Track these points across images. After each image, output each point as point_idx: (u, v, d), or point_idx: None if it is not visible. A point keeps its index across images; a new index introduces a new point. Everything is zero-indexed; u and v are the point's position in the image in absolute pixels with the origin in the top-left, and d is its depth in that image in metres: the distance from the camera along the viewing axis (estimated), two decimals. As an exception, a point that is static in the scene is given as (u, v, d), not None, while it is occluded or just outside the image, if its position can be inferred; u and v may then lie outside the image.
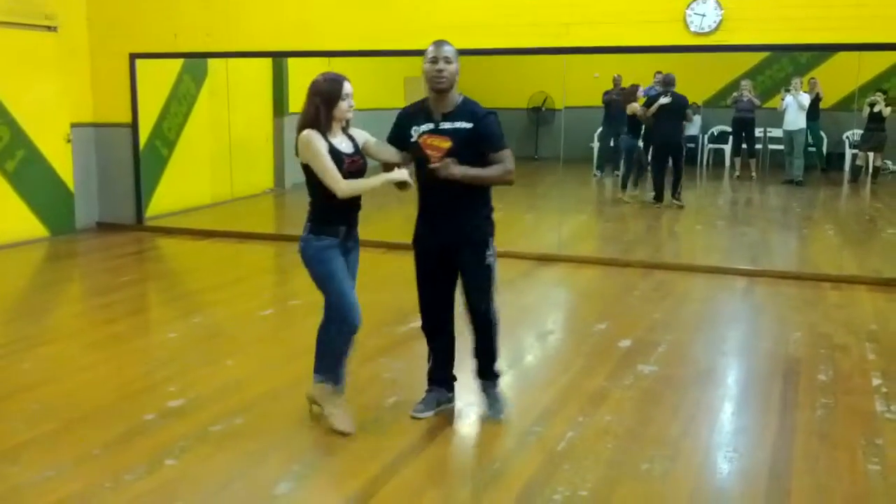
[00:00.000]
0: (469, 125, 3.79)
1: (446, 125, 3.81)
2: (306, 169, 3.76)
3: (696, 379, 4.75)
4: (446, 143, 3.75)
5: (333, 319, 3.83)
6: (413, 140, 3.85)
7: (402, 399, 4.29)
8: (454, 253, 3.92)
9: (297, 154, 3.76)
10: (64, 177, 8.81)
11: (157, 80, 9.41)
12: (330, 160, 3.67)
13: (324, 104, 3.72)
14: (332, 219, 3.81)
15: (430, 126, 3.83)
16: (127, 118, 9.01)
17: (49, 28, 8.48)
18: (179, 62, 9.77)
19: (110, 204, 9.26)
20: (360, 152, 3.86)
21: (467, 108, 3.84)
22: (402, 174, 3.79)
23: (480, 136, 3.80)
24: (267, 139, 12.03)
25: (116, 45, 8.86)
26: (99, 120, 9.13)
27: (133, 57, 8.83)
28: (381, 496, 3.33)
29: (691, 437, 3.94)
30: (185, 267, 8.13)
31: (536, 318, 6.01)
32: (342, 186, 3.68)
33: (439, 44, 3.85)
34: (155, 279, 7.62)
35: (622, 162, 11.53)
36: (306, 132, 3.71)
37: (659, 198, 10.78)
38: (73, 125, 8.83)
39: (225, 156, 10.90)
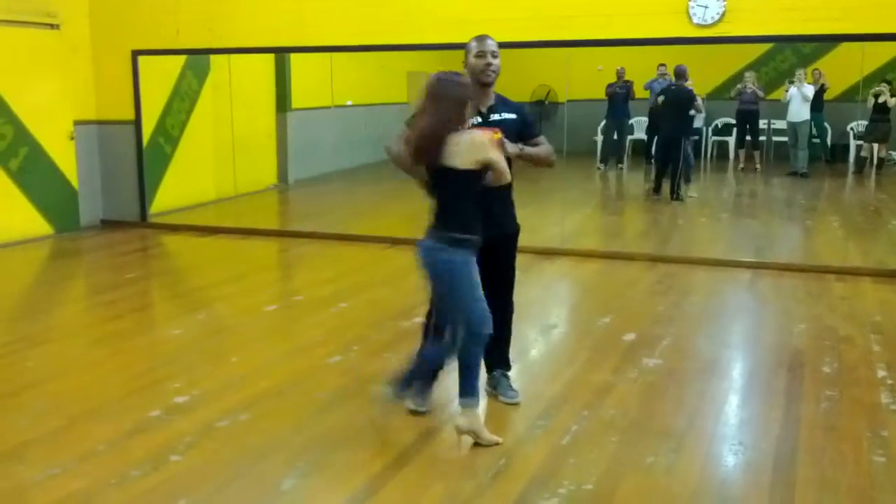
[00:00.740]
0: (514, 115, 3.98)
1: (494, 117, 3.93)
2: (465, 175, 3.55)
3: (701, 372, 4.74)
4: (497, 135, 3.73)
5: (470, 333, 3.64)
6: None
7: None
8: (494, 247, 3.91)
9: (459, 161, 3.52)
10: (68, 174, 8.82)
11: (160, 77, 9.41)
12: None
13: (459, 107, 3.56)
14: (470, 229, 3.62)
15: (478, 119, 3.87)
16: (130, 115, 9.01)
17: (51, 26, 8.48)
18: (182, 59, 9.77)
19: (114, 201, 9.27)
20: None
21: (503, 101, 4.01)
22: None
23: (525, 124, 4.02)
24: (270, 135, 12.04)
25: (119, 42, 8.86)
26: (102, 117, 9.13)
27: (135, 54, 8.83)
28: (386, 491, 3.33)
29: (696, 430, 3.94)
30: (190, 263, 8.14)
31: (540, 312, 6.00)
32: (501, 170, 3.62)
33: (482, 38, 3.90)
34: (159, 276, 7.64)
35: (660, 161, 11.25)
36: (477, 133, 3.60)
37: (656, 190, 10.77)
38: (77, 123, 8.83)
39: (228, 152, 10.91)
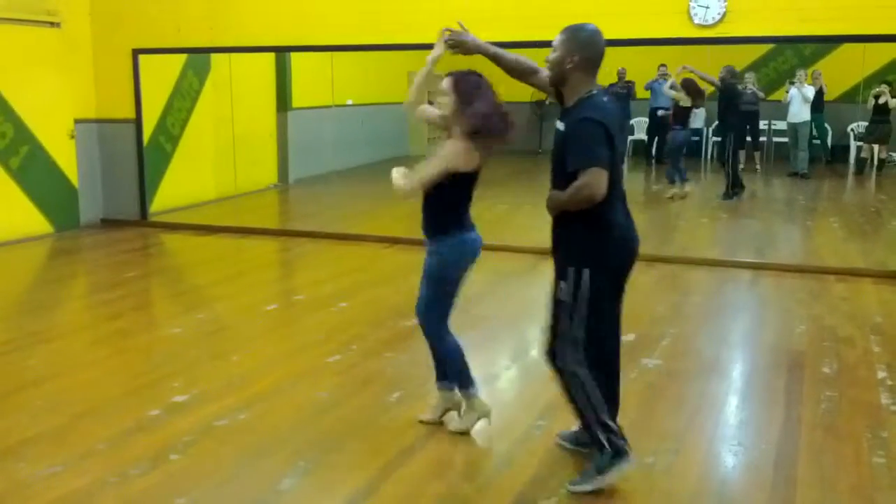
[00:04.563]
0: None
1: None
2: (458, 177, 3.58)
3: (701, 372, 4.74)
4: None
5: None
6: None
7: (407, 393, 4.30)
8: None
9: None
10: (68, 173, 8.82)
11: (161, 76, 9.41)
12: None
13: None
14: (465, 225, 3.74)
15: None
16: (130, 114, 9.01)
17: (52, 24, 8.48)
18: (183, 58, 9.78)
19: (114, 200, 9.27)
20: None
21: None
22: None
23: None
24: (271, 134, 12.04)
25: (119, 40, 8.86)
26: (102, 116, 9.13)
27: (136, 52, 8.83)
28: (385, 490, 3.33)
29: (696, 431, 3.94)
30: (190, 262, 8.14)
31: (540, 313, 5.97)
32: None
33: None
34: (159, 275, 7.63)
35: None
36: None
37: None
38: (77, 121, 8.83)
39: (229, 151, 10.92)
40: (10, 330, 5.57)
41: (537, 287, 6.63)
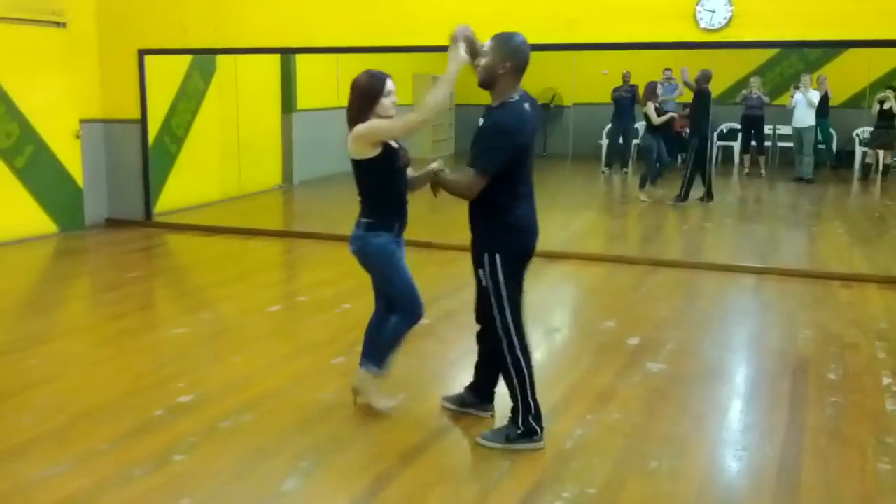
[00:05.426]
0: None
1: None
2: (360, 165, 3.83)
3: (705, 377, 4.73)
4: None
5: (400, 310, 3.88)
6: None
7: (412, 396, 4.28)
8: None
9: (350, 152, 3.85)
10: (73, 173, 8.82)
11: (166, 77, 9.42)
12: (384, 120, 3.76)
13: (362, 100, 3.80)
14: (388, 214, 3.86)
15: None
16: (136, 114, 9.02)
17: (57, 24, 8.49)
18: (188, 59, 9.79)
19: (119, 200, 9.28)
20: (401, 145, 3.92)
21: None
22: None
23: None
24: (275, 136, 12.04)
25: (125, 41, 8.87)
26: (108, 116, 9.14)
27: (141, 53, 8.84)
28: (389, 492, 3.33)
29: (700, 435, 3.93)
30: (194, 263, 8.14)
31: (544, 316, 6.00)
32: (410, 118, 3.73)
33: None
34: (163, 275, 7.64)
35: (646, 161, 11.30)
36: (361, 126, 3.77)
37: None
38: (83, 121, 8.84)
39: (233, 152, 10.91)
40: (14, 329, 5.58)
41: (540, 290, 6.63)
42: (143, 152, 9.11)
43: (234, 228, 8.99)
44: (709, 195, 10.74)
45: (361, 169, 3.85)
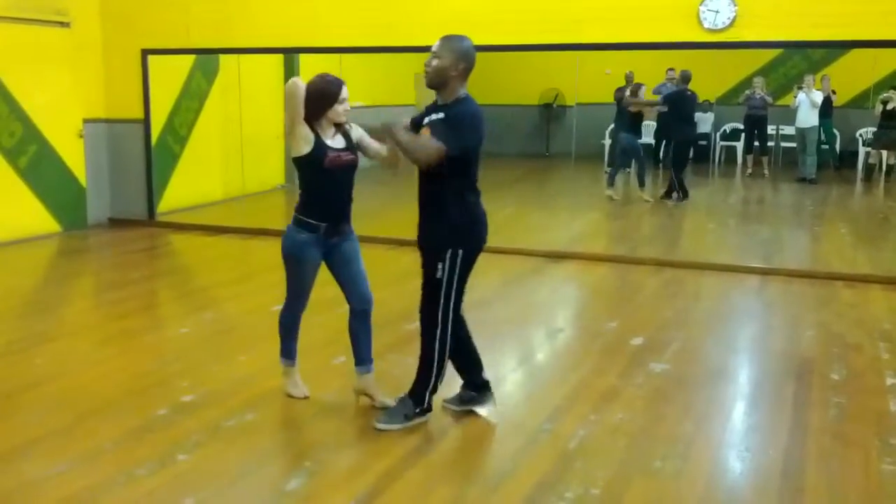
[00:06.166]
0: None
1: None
2: (297, 161, 3.89)
3: (709, 377, 4.73)
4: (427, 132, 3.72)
5: (288, 298, 4.16)
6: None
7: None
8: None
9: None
10: (76, 172, 8.84)
11: (169, 76, 9.43)
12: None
13: (315, 103, 3.79)
14: (313, 214, 3.92)
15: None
16: (139, 114, 9.03)
17: (61, 24, 8.50)
18: (191, 59, 9.80)
19: (122, 199, 9.29)
20: (351, 148, 3.94)
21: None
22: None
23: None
24: (278, 135, 11.98)
25: (128, 41, 8.89)
26: (111, 116, 9.16)
27: (145, 53, 8.85)
28: (391, 493, 3.33)
29: (703, 436, 3.93)
30: (197, 262, 8.15)
31: (547, 316, 5.99)
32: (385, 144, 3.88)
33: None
34: (166, 275, 7.64)
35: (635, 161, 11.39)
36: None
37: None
38: (86, 121, 8.85)
39: (236, 152, 10.92)
40: (18, 329, 5.59)
41: (543, 291, 6.64)
42: (146, 152, 9.12)
43: (237, 228, 9.00)
44: (678, 194, 10.77)
45: (298, 166, 3.93)
